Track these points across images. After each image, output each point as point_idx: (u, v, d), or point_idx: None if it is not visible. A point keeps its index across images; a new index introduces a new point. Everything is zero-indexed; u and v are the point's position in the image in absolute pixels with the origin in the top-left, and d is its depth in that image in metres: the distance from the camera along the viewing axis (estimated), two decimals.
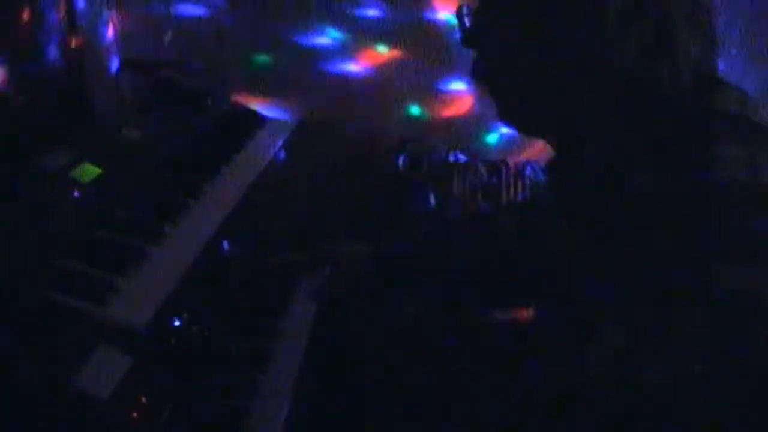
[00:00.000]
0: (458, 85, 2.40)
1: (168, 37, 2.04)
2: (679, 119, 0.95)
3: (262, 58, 2.27)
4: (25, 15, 1.48)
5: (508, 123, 1.09)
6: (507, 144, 2.49)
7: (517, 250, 1.40)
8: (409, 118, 2.43)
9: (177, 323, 1.33)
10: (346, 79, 2.35)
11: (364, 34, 2.31)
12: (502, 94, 1.06)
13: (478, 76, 1.07)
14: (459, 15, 1.08)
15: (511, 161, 2.46)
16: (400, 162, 2.36)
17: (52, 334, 1.05)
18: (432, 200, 2.34)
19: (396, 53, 2.35)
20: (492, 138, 2.50)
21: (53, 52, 1.58)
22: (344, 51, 2.32)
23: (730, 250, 0.84)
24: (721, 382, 0.83)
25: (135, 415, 1.13)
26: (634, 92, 0.96)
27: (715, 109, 0.96)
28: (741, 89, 1.02)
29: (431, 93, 2.40)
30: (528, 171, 2.45)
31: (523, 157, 2.50)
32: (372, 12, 2.31)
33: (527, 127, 1.11)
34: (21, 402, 0.98)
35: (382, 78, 2.36)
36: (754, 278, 0.83)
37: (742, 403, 0.83)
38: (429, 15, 2.32)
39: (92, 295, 1.12)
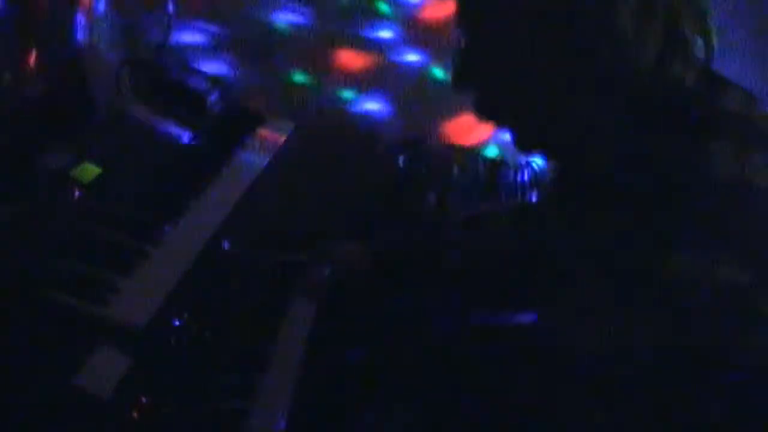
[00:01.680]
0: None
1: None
2: (681, 118, 0.95)
3: None
4: (25, 16, 1.48)
5: (529, 151, 1.12)
6: (507, 144, 2.49)
7: (515, 251, 1.40)
8: None
9: (177, 323, 1.33)
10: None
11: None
12: (516, 126, 1.05)
13: (483, 115, 1.05)
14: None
15: (511, 161, 2.47)
16: (400, 162, 2.36)
17: (52, 334, 1.05)
18: (432, 200, 2.34)
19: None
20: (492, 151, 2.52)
21: (53, 52, 1.57)
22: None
23: (698, 240, 0.85)
24: (662, 361, 0.85)
25: (135, 415, 1.13)
26: (643, 95, 0.96)
27: (718, 108, 0.96)
28: (745, 89, 1.02)
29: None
30: (528, 171, 2.45)
31: (523, 157, 2.50)
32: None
33: (547, 151, 1.12)
34: (21, 402, 0.98)
35: None
36: (714, 269, 0.84)
37: (679, 384, 0.85)
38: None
39: (92, 295, 1.12)
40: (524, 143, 1.07)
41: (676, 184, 0.90)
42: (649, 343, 0.87)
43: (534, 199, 2.36)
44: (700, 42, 0.96)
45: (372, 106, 2.40)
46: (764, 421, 0.85)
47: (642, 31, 0.91)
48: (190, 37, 2.20)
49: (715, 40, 0.98)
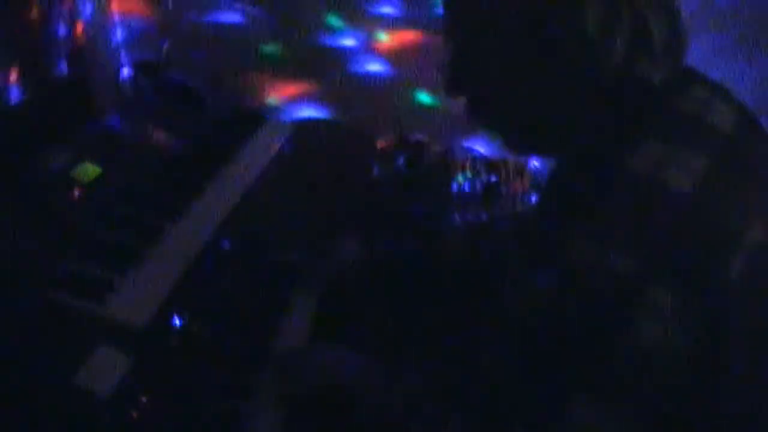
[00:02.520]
0: None
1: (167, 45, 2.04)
2: (633, 117, 0.98)
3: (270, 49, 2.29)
4: (27, 17, 1.48)
5: (520, 151, 1.14)
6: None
7: (514, 255, 1.40)
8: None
9: (177, 323, 1.33)
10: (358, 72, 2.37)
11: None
12: (505, 128, 1.09)
13: (475, 119, 1.09)
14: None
15: (511, 161, 2.47)
16: (400, 162, 2.36)
17: (52, 334, 1.05)
18: (431, 200, 2.34)
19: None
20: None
21: (54, 52, 1.58)
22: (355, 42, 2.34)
23: (596, 230, 0.91)
24: (557, 325, 0.93)
25: (135, 414, 1.13)
26: (608, 95, 0.99)
27: (672, 108, 0.98)
28: (716, 87, 1.04)
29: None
30: (528, 170, 2.45)
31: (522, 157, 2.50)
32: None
33: (536, 150, 1.16)
34: (21, 402, 0.98)
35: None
36: (599, 256, 0.89)
37: (563, 352, 0.92)
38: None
39: (92, 295, 1.12)
40: (514, 145, 1.12)
41: (595, 179, 0.95)
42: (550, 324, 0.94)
43: (534, 200, 2.36)
44: (667, 27, 0.98)
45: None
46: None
47: (609, 32, 0.94)
48: None
49: (685, 37, 1.01)
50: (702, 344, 0.89)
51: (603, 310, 0.89)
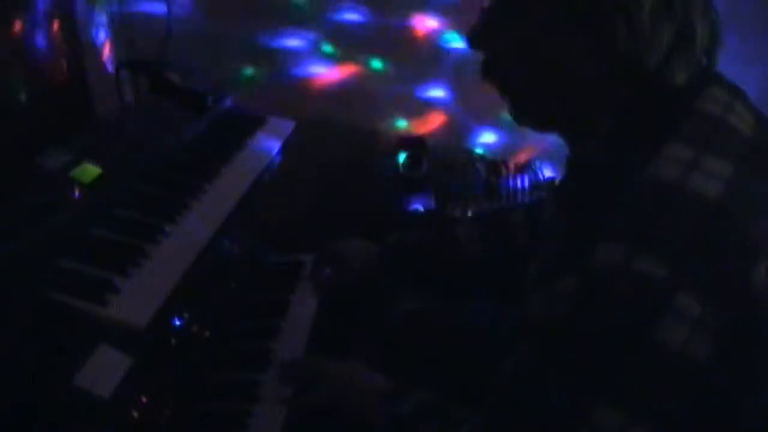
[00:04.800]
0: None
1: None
2: (654, 117, 0.96)
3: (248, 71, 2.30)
4: (25, 16, 1.48)
5: (519, 121, 1.09)
6: (507, 144, 2.50)
7: (526, 247, 1.41)
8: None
9: (177, 323, 1.32)
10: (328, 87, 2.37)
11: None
12: (512, 94, 1.06)
13: (487, 78, 1.06)
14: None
15: (511, 161, 2.47)
16: (400, 162, 2.36)
17: (52, 334, 1.05)
18: (432, 200, 2.34)
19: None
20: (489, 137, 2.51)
21: (53, 52, 1.57)
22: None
23: (622, 234, 0.89)
24: (580, 330, 0.91)
25: (135, 415, 1.13)
26: (639, 89, 0.97)
27: (695, 109, 0.97)
28: (736, 89, 1.03)
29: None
30: (528, 170, 2.45)
31: (523, 157, 2.50)
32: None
33: (538, 125, 1.11)
34: (21, 402, 0.98)
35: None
36: (627, 260, 0.87)
37: (585, 348, 0.91)
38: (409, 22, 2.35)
39: (92, 295, 1.11)
40: (520, 115, 1.08)
41: (617, 179, 0.93)
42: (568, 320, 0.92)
43: (537, 199, 2.36)
44: (708, 39, 0.98)
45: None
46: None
47: (659, 26, 0.92)
48: None
49: (720, 40, 1.00)
50: (727, 351, 0.88)
51: (627, 315, 0.88)
